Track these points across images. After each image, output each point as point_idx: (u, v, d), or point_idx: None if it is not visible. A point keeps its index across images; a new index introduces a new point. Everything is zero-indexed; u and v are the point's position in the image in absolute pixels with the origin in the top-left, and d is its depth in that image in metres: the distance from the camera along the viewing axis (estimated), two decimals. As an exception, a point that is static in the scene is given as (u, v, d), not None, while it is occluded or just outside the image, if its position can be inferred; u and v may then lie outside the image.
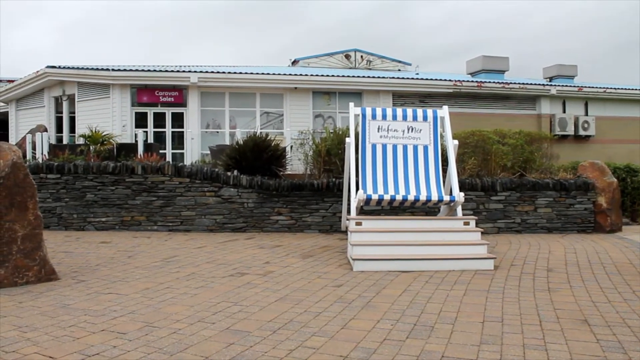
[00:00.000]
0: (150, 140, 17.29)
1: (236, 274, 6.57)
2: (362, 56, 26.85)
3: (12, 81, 22.18)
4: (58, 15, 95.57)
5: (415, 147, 8.56)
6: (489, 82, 21.02)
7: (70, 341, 4.10)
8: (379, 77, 19.95)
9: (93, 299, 5.41)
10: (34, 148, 16.04)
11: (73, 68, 19.30)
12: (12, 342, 4.07)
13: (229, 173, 10.57)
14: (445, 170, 8.68)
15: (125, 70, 18.44)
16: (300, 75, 19.54)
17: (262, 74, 19.20)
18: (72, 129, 19.70)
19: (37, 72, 19.78)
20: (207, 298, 5.41)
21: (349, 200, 8.65)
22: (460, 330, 4.36)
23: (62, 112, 20.44)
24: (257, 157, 10.85)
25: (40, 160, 12.71)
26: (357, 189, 8.10)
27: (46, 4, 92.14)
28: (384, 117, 8.70)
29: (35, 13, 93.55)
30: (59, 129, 20.36)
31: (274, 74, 19.33)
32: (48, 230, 9.62)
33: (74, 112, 19.69)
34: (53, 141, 17.80)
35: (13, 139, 21.45)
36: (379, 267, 6.85)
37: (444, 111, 8.91)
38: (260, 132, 12.13)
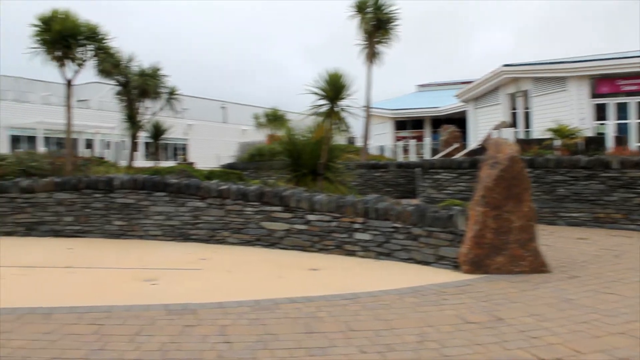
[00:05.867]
0: (611, 132, 16.28)
1: None
2: None
3: (469, 83, 23.93)
4: (513, 20, 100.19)
5: None
6: None
7: (588, 338, 4.00)
8: None
9: (593, 296, 5.21)
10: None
11: (527, 64, 19.72)
12: (532, 329, 4.20)
13: None
14: None
15: (582, 61, 17.86)
16: None
17: None
18: (527, 123, 20.09)
19: (493, 71, 20.84)
20: None
21: None
22: None
23: (515, 108, 21.07)
24: None
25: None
26: None
27: (503, 10, 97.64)
28: None
29: (493, 20, 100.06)
30: (513, 123, 21.03)
31: None
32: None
33: (527, 108, 20.06)
34: (508, 136, 18.40)
35: (471, 135, 23.10)
36: None
37: None
38: None
